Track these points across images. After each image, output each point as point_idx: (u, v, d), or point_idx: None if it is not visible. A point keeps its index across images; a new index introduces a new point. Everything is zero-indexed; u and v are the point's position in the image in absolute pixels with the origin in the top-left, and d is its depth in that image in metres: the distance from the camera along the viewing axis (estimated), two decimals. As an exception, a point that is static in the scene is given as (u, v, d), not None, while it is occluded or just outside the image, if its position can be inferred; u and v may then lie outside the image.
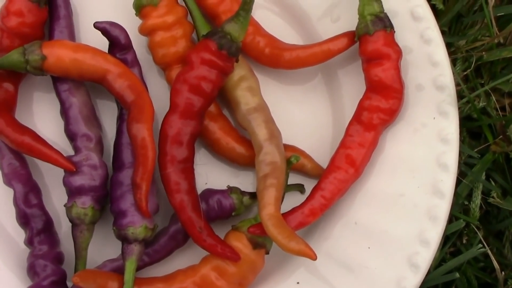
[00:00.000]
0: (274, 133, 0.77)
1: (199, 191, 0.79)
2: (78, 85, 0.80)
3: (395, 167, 0.80)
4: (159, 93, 0.84)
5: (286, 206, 0.77)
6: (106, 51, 0.81)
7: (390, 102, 0.78)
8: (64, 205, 0.77)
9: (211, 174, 0.83)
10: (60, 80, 0.80)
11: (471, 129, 0.90)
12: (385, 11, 0.80)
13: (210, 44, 0.75)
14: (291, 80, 0.86)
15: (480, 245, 0.83)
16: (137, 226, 0.74)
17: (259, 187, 0.75)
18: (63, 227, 0.82)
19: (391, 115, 0.79)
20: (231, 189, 0.80)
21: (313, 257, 0.70)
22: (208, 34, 0.76)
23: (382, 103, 0.78)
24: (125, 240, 0.75)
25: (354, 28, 0.81)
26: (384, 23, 0.79)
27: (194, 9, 0.81)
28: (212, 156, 0.84)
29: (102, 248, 0.81)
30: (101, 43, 0.80)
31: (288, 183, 0.79)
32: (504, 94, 0.90)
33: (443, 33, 0.82)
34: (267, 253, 0.77)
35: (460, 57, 0.89)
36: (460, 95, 0.85)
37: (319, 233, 0.81)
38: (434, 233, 0.77)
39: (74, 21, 0.84)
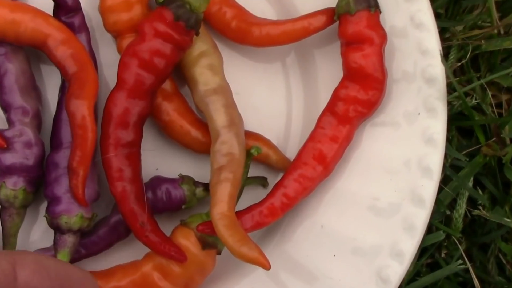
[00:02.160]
0: (234, 120, 0.70)
1: (147, 179, 0.72)
2: (16, 50, 0.72)
3: (370, 167, 0.74)
4: (112, 65, 0.75)
5: (246, 202, 0.72)
6: (51, 13, 0.72)
7: (370, 93, 0.72)
8: (-8, 186, 0.71)
9: (162, 162, 0.76)
10: (-5, 43, 0.72)
11: (462, 126, 0.82)
12: (371, -12, 0.72)
13: (165, 13, 0.68)
14: (261, 58, 0.78)
15: (461, 261, 0.76)
16: (72, 215, 0.68)
17: (212, 181, 0.68)
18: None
19: (369, 108, 0.72)
20: (183, 179, 0.73)
21: (267, 267, 0.65)
22: (164, 1, 0.69)
23: (360, 93, 0.72)
24: (57, 229, 0.69)
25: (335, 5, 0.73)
26: (368, 2, 0.71)
27: (153, -29, 0.73)
28: (164, 140, 0.76)
29: (35, 236, 0.75)
30: (46, 3, 0.72)
31: (250, 175, 0.73)
32: (502, 89, 0.83)
33: (438, 16, 0.76)
34: (219, 253, 0.71)
35: (456, 45, 0.82)
36: (452, 88, 0.78)
37: (280, 235, 0.75)
38: (409, 245, 0.72)
39: (16, -24, 0.75)
